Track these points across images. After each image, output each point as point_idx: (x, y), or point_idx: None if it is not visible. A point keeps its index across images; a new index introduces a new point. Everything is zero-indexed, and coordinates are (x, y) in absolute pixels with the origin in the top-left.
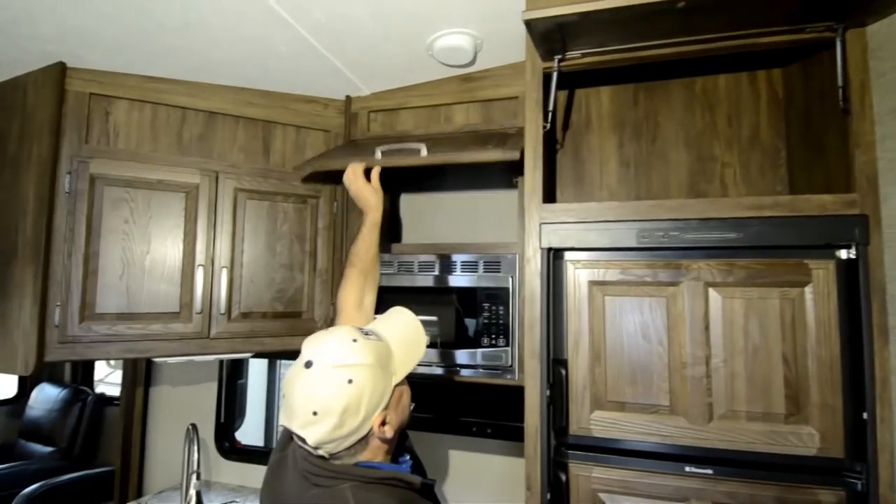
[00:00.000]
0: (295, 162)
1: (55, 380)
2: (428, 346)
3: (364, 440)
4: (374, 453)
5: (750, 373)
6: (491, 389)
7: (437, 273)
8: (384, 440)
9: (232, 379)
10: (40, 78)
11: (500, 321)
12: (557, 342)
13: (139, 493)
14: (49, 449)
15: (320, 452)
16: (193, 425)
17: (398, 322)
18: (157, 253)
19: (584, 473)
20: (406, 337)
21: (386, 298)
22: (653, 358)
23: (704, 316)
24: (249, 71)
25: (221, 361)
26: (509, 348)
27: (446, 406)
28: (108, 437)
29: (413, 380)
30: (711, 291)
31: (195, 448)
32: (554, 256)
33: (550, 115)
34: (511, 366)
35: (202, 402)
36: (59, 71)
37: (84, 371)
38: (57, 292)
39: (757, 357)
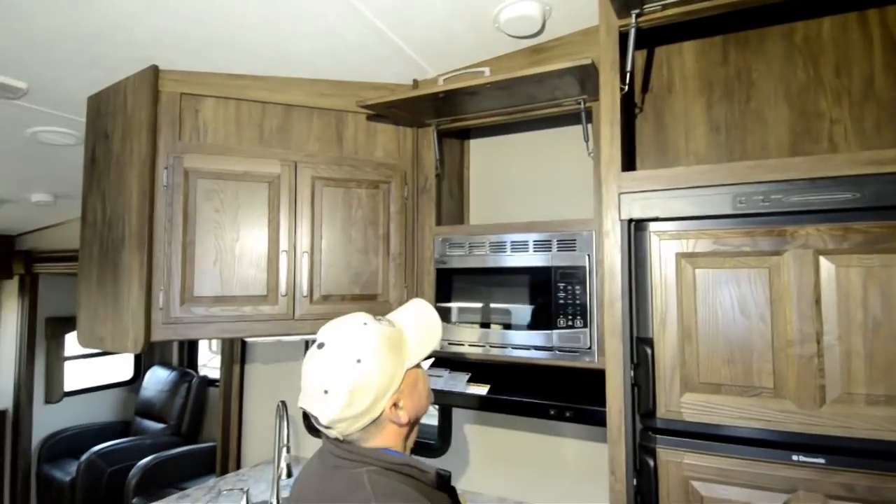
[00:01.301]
0: (367, 149)
1: (165, 363)
2: (503, 327)
3: (377, 423)
4: (390, 439)
5: (870, 351)
6: (569, 372)
7: (508, 253)
8: (399, 424)
9: None
10: (137, 81)
11: (577, 301)
12: (641, 320)
13: (238, 466)
14: (161, 425)
15: (334, 433)
16: (283, 402)
17: (412, 310)
18: (246, 240)
19: (674, 459)
20: (420, 324)
21: (457, 280)
22: (753, 336)
23: (815, 288)
24: (321, 62)
25: (306, 342)
26: (587, 329)
27: (522, 388)
28: (211, 415)
29: (488, 362)
30: (823, 260)
31: (285, 424)
32: (636, 228)
33: (629, 76)
34: (590, 348)
35: (292, 381)
36: (153, 74)
37: (189, 355)
38: (160, 278)
39: (879, 333)
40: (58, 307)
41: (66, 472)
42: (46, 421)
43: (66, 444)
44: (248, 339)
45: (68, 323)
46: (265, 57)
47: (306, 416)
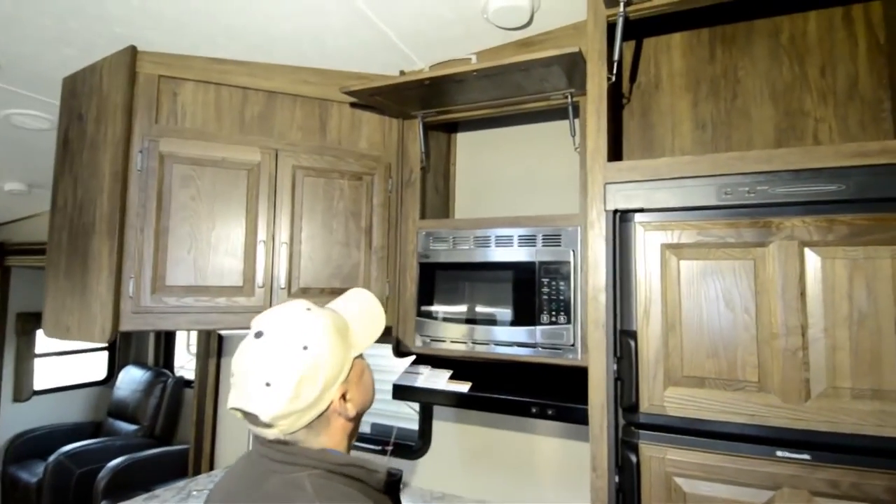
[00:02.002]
0: (351, 140)
1: (140, 363)
2: (486, 324)
3: (323, 418)
4: (335, 436)
5: (856, 344)
6: (552, 370)
7: (493, 248)
8: (346, 418)
9: None
10: (114, 62)
11: (561, 297)
12: (625, 313)
13: (211, 467)
14: (133, 427)
15: (275, 433)
16: None
17: (354, 298)
18: (222, 229)
19: (657, 455)
20: (363, 311)
21: (440, 274)
22: (737, 328)
23: (800, 280)
24: (306, 48)
25: None
26: (571, 326)
27: (504, 386)
28: (186, 417)
29: (470, 360)
30: (808, 252)
31: None
32: (620, 219)
33: (616, 65)
34: (573, 345)
35: None
36: (131, 54)
37: (166, 355)
38: (131, 265)
39: (864, 326)
40: (30, 302)
41: (34, 474)
42: (14, 420)
43: (35, 444)
44: (223, 333)
45: (40, 318)
46: (246, 39)
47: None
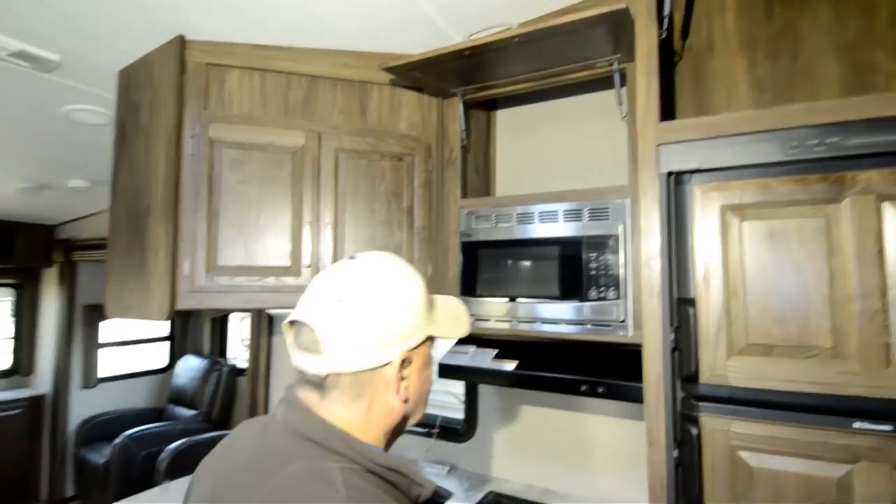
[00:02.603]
0: (391, 121)
1: (197, 352)
2: (531, 301)
3: (374, 380)
4: (375, 420)
5: None
6: (602, 348)
7: (536, 224)
8: (396, 398)
9: None
10: (164, 52)
11: (610, 272)
12: (682, 280)
13: None
14: (192, 412)
15: (321, 364)
16: None
17: (446, 297)
18: (270, 211)
19: (720, 428)
20: (450, 308)
21: (482, 253)
22: (808, 292)
23: (877, 237)
24: (346, 30)
25: None
26: (621, 301)
27: (552, 364)
28: (240, 403)
29: (516, 339)
30: (886, 206)
31: None
32: (675, 182)
33: (667, 20)
34: (623, 321)
35: None
36: (180, 44)
37: (220, 345)
38: (185, 247)
39: None
40: (95, 294)
41: (101, 455)
42: (83, 405)
43: (102, 428)
44: (272, 313)
45: (104, 310)
46: (289, 21)
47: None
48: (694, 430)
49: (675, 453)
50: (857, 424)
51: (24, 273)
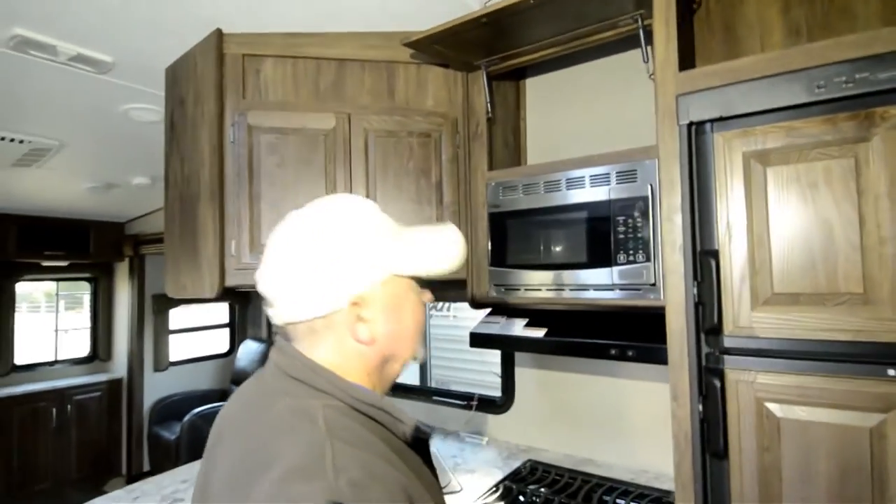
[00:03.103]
0: (418, 99)
1: (256, 338)
2: (560, 268)
3: (328, 324)
4: (350, 363)
5: None
6: (632, 315)
7: (563, 191)
8: (355, 348)
9: None
10: (204, 46)
11: (639, 234)
12: (705, 233)
13: None
14: None
15: (280, 315)
16: None
17: (429, 229)
18: (306, 191)
19: (745, 379)
20: (428, 242)
21: (510, 223)
22: (837, 236)
23: None
24: (370, 10)
25: None
26: (651, 264)
27: (582, 331)
28: None
29: (546, 308)
30: None
31: None
32: (696, 132)
33: None
34: (654, 284)
35: None
36: (218, 37)
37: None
38: (232, 228)
39: None
40: (163, 284)
41: (172, 432)
42: (155, 387)
43: (173, 407)
44: None
45: (171, 299)
46: (316, 8)
47: None
48: (718, 384)
49: (700, 407)
50: (891, 371)
51: (99, 267)
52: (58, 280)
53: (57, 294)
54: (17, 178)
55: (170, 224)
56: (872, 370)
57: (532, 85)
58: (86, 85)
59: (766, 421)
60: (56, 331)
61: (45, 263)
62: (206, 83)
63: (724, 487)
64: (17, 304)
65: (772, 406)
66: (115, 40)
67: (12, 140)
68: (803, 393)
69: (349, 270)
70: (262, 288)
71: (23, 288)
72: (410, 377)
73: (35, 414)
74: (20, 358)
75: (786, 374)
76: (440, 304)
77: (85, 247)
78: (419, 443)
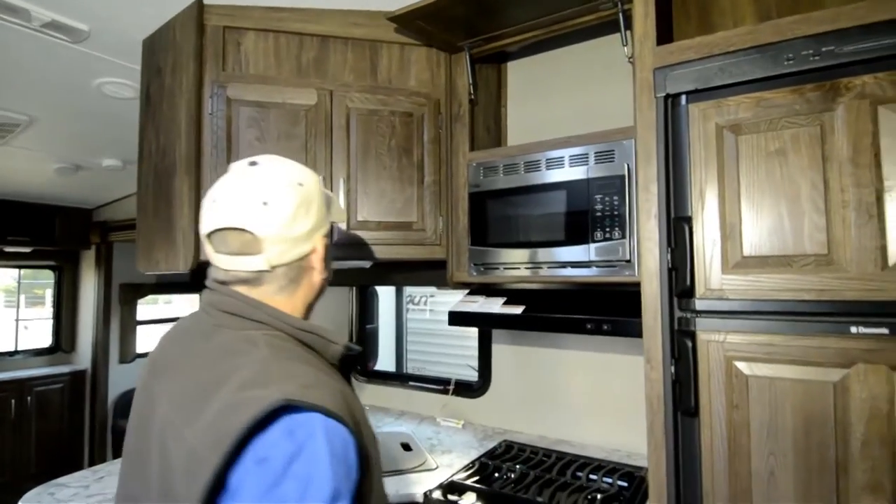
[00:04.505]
0: (401, 79)
1: None
2: (538, 246)
3: (303, 265)
4: (299, 298)
5: None
6: (608, 293)
7: (543, 171)
8: (316, 278)
9: (362, 323)
10: (184, 17)
11: (616, 212)
12: (679, 200)
13: None
14: None
15: (260, 261)
16: None
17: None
18: None
19: (716, 340)
20: (335, 199)
21: (490, 203)
22: (802, 201)
23: (873, 140)
24: None
25: (351, 301)
26: (626, 241)
27: (559, 309)
28: None
29: (525, 286)
30: (882, 110)
31: None
32: (672, 105)
33: None
34: (629, 260)
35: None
36: (198, 8)
37: None
38: None
39: None
40: (130, 274)
41: None
42: (121, 379)
43: None
44: None
45: (140, 289)
46: None
47: None
48: (690, 344)
49: (672, 369)
50: (854, 329)
51: (64, 255)
52: (20, 267)
53: (19, 282)
54: None
55: (143, 198)
56: (836, 327)
57: (513, 68)
58: (59, 55)
59: (735, 379)
60: (17, 320)
61: (8, 249)
62: (185, 54)
63: (694, 444)
64: None
65: (740, 364)
66: (91, 7)
67: None
68: (770, 351)
69: (322, 216)
70: (253, 235)
71: None
72: (387, 364)
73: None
74: None
75: (754, 333)
76: (417, 297)
77: (50, 233)
78: (345, 362)
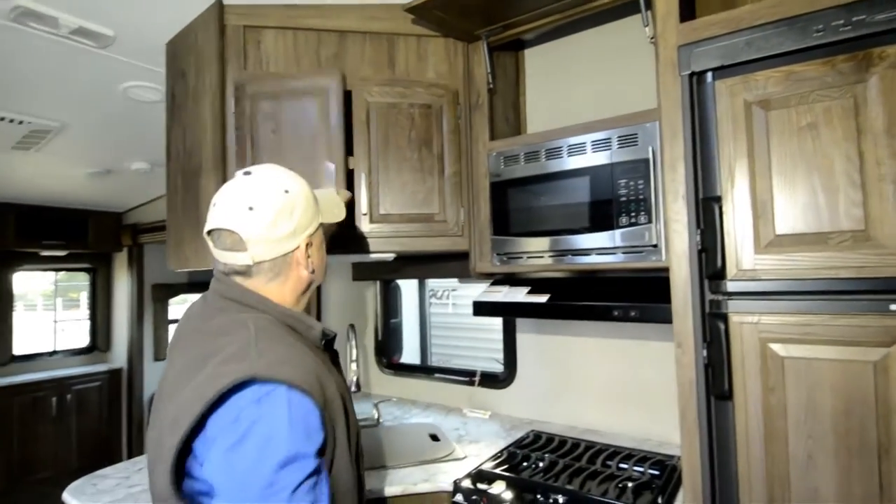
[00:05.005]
0: (418, 71)
1: None
2: (562, 234)
3: (288, 260)
4: (289, 289)
5: None
6: (634, 280)
7: (564, 158)
8: (305, 271)
9: (386, 318)
10: (205, 19)
11: (641, 196)
12: (707, 179)
13: None
14: None
15: (246, 257)
16: (352, 325)
17: (322, 190)
18: (307, 162)
19: (749, 321)
20: (325, 196)
21: (512, 191)
22: (837, 176)
23: None
24: None
25: (375, 296)
26: (653, 225)
27: (584, 296)
28: None
29: (549, 274)
30: None
31: (353, 343)
32: (697, 82)
33: None
34: (656, 245)
35: (361, 305)
36: (219, 9)
37: None
38: None
39: None
40: (161, 274)
41: None
42: (155, 376)
43: None
44: None
45: (171, 289)
46: None
47: (378, 355)
48: (722, 327)
49: (704, 353)
50: (894, 306)
51: (97, 258)
52: (56, 270)
53: (55, 285)
54: (17, 163)
55: (172, 197)
56: (875, 306)
57: (531, 55)
58: (86, 61)
59: (771, 361)
60: (55, 321)
61: (44, 253)
62: (207, 54)
63: (728, 429)
64: (15, 301)
65: (776, 346)
66: (115, 13)
67: (11, 121)
68: (807, 331)
69: (306, 219)
70: (238, 237)
71: (21, 283)
72: (412, 358)
73: (35, 403)
74: (19, 348)
75: (789, 314)
76: (439, 292)
77: (83, 237)
78: (328, 345)
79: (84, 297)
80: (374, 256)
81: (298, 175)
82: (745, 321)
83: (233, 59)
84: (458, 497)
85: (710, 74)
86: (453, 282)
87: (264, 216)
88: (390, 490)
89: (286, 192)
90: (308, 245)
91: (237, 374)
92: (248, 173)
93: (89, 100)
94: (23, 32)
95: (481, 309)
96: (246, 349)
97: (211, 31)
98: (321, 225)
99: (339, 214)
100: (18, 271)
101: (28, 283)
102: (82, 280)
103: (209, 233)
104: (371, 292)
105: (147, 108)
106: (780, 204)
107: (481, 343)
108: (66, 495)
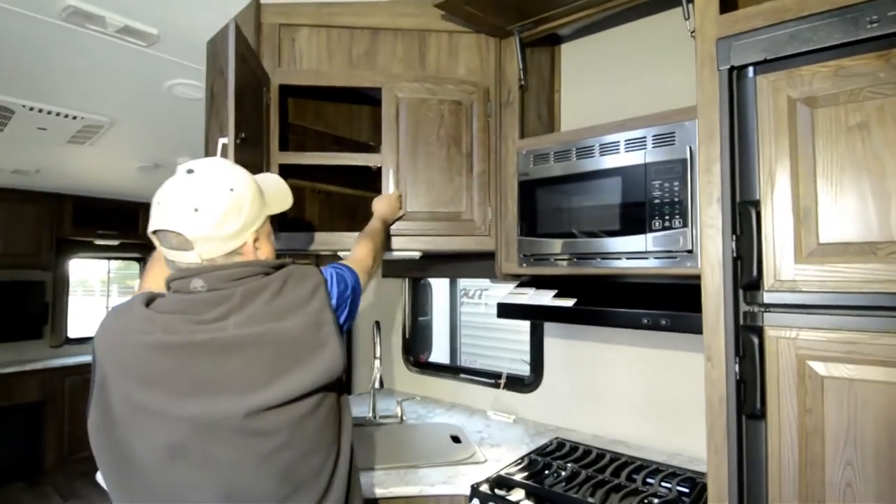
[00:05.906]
0: (449, 67)
1: None
2: (591, 237)
3: (239, 254)
4: None
5: None
6: (665, 286)
7: (596, 157)
8: None
9: (415, 315)
10: (243, 17)
11: (676, 199)
12: (745, 182)
13: (349, 392)
14: None
15: (193, 256)
16: (377, 322)
17: (269, 176)
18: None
19: (786, 336)
20: (272, 185)
21: (540, 191)
22: (888, 180)
23: None
24: None
25: (403, 292)
26: (688, 230)
27: (612, 301)
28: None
29: (576, 277)
30: None
31: (378, 340)
32: (737, 77)
33: None
34: (691, 251)
35: (387, 302)
36: (256, 8)
37: None
38: None
39: None
40: None
41: None
42: None
43: None
44: (341, 254)
45: None
46: None
47: (405, 355)
48: (756, 341)
49: (736, 368)
50: None
51: (148, 247)
52: (108, 259)
53: (109, 274)
54: (72, 156)
55: None
56: None
57: (567, 51)
58: (133, 59)
59: (809, 380)
60: (107, 308)
61: (98, 242)
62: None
63: (760, 450)
64: (73, 286)
65: (815, 364)
66: (159, 12)
67: (66, 115)
68: (851, 350)
69: (252, 215)
70: (184, 238)
71: (81, 270)
72: (441, 357)
73: (86, 384)
74: (74, 331)
75: (831, 330)
76: (471, 291)
77: (135, 227)
78: None
79: (136, 286)
80: (398, 254)
81: (243, 170)
82: (781, 336)
83: (268, 56)
84: (475, 502)
85: (751, 69)
86: (485, 281)
87: (210, 217)
88: (406, 490)
89: (231, 190)
90: (255, 239)
91: (318, 274)
92: (190, 171)
93: (136, 96)
94: (74, 31)
95: (506, 311)
96: (309, 271)
97: (248, 29)
98: (268, 217)
99: (286, 203)
100: (74, 258)
101: (88, 270)
102: (136, 269)
103: (154, 233)
104: (400, 289)
105: (191, 104)
106: (824, 210)
107: (510, 344)
108: (98, 476)
